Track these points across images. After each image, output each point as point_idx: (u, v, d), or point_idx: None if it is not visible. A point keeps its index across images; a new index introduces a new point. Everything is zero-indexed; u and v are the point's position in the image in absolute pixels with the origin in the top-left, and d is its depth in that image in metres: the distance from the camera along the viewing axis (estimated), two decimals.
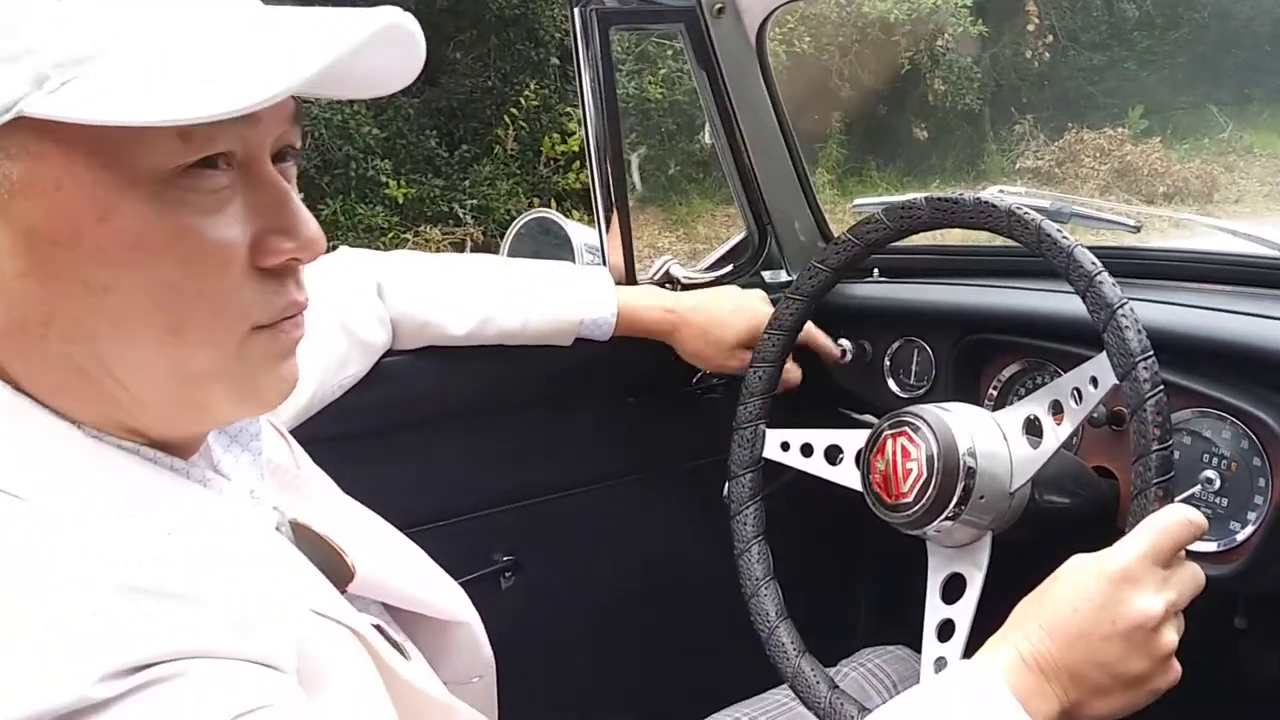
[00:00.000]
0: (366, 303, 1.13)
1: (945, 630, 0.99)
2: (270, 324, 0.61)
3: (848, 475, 1.09)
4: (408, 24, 0.58)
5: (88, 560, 0.51)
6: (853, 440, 1.10)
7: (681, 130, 6.84)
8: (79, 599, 0.49)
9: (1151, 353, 0.86)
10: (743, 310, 1.28)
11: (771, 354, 1.19)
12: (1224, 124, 6.29)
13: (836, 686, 1.05)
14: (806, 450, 1.15)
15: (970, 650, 0.83)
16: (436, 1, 6.69)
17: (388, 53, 0.60)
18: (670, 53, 6.72)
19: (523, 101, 6.88)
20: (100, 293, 0.56)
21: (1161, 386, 0.86)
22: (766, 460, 1.18)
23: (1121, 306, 0.87)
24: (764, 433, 1.18)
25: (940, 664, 0.98)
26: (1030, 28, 6.96)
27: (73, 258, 0.55)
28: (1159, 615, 0.75)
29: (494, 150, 6.94)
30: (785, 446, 1.17)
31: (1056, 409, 0.96)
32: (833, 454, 1.12)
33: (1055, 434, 0.96)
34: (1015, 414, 1.00)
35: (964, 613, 0.98)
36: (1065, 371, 0.99)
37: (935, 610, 1.01)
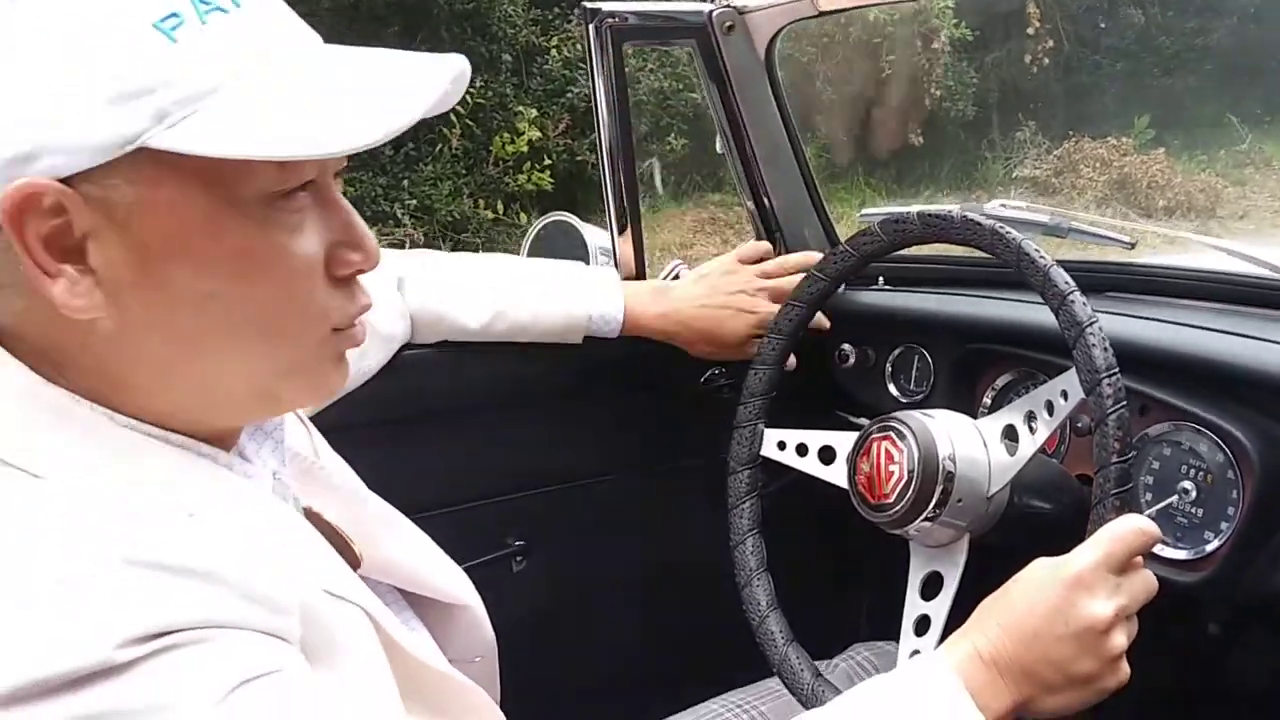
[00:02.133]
0: (387, 296, 1.18)
1: (922, 625, 1.04)
2: (344, 327, 0.70)
3: (840, 475, 1.15)
4: (467, 70, 0.66)
5: (106, 534, 0.56)
6: (846, 442, 1.15)
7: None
8: (97, 569, 0.54)
9: (1116, 370, 0.91)
10: (738, 316, 1.33)
11: (771, 357, 1.25)
12: (1243, 134, 6.11)
13: (820, 675, 1.11)
14: (801, 450, 1.20)
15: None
16: None
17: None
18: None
19: (469, 99, 6.53)
20: (206, 300, 0.63)
21: (1124, 402, 0.90)
22: (766, 459, 1.24)
23: (1090, 325, 0.92)
24: (762, 432, 1.24)
25: (915, 656, 1.03)
26: (1030, 31, 6.77)
27: (182, 270, 0.62)
28: (1109, 619, 0.80)
29: (439, 149, 6.70)
30: (782, 445, 1.22)
31: (1031, 419, 1.01)
32: (826, 454, 1.18)
33: (1030, 442, 1.01)
34: (996, 422, 1.05)
35: (940, 609, 1.04)
36: None
37: (914, 606, 1.06)
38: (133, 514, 0.59)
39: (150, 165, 0.59)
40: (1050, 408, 0.99)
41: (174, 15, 0.59)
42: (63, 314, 0.60)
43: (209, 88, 0.59)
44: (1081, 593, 0.81)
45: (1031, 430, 1.01)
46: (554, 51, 6.99)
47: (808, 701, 1.09)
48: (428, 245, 6.12)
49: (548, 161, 6.76)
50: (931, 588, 1.06)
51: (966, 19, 6.82)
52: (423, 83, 0.64)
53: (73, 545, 0.55)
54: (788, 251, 1.52)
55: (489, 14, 6.83)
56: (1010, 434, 1.04)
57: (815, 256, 1.36)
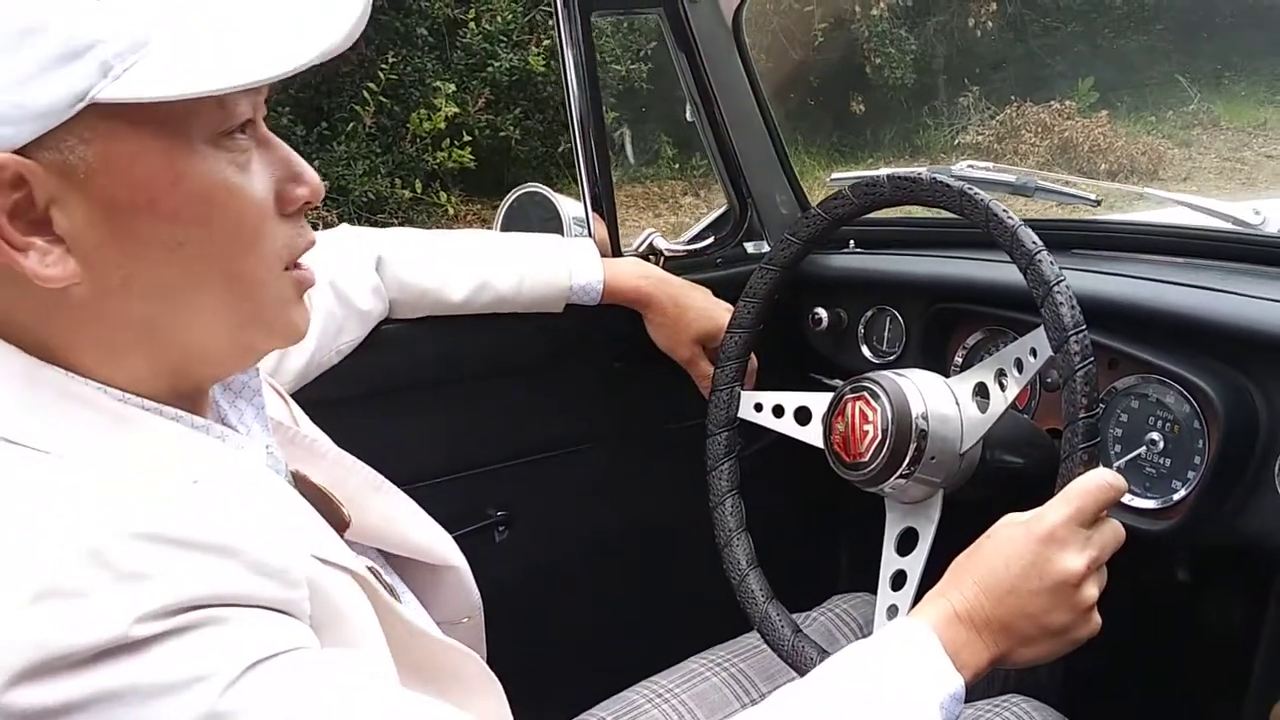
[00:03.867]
0: (363, 273, 1.19)
1: (898, 580, 1.07)
2: (295, 264, 0.71)
3: (815, 435, 1.16)
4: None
5: (118, 509, 0.57)
6: (821, 403, 1.17)
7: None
8: (112, 544, 0.55)
9: (1084, 327, 0.93)
10: (706, 313, 1.34)
11: (747, 320, 1.26)
12: (1192, 94, 6.09)
13: (800, 631, 1.13)
14: (778, 411, 1.22)
15: (920, 598, 0.89)
16: None
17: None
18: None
19: (381, 75, 6.29)
20: (175, 249, 0.64)
21: (1091, 359, 0.92)
22: (743, 420, 1.26)
23: (1057, 283, 0.94)
24: (739, 394, 1.25)
25: (892, 611, 1.05)
26: None
27: (149, 221, 0.63)
28: (1080, 571, 0.82)
29: (352, 128, 6.39)
30: (759, 408, 1.24)
31: (1001, 376, 1.03)
32: (802, 415, 1.19)
33: (1001, 399, 1.03)
34: (967, 380, 1.07)
35: (915, 564, 1.06)
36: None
37: (890, 561, 1.08)
38: (141, 487, 0.60)
39: (102, 121, 0.60)
40: (1020, 365, 1.01)
41: None
42: (39, 289, 0.61)
43: (143, 38, 0.59)
44: (1054, 547, 0.83)
45: (1002, 387, 1.03)
46: (473, 25, 6.69)
47: (788, 658, 1.12)
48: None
49: (468, 138, 6.50)
50: (907, 543, 1.08)
51: None
52: (336, 8, 0.65)
53: (86, 520, 0.56)
54: (759, 217, 1.54)
55: None
56: (981, 391, 1.06)
57: None
